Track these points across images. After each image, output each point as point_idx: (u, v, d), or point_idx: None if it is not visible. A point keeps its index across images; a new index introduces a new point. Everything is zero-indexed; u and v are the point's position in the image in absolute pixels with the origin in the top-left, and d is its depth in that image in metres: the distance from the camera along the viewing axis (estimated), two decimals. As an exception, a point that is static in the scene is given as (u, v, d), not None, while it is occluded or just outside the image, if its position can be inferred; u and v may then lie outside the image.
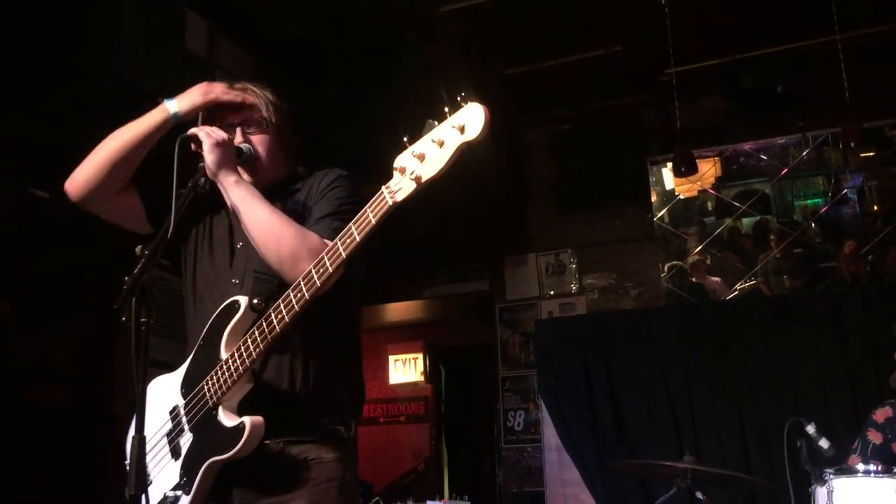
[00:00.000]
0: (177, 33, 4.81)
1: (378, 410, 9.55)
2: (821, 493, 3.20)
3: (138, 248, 1.99)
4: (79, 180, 2.40)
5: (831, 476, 3.19)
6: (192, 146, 2.29)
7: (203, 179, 2.28)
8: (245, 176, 2.38)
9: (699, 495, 3.97)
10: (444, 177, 1.90)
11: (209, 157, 2.25)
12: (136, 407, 1.85)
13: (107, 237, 2.64)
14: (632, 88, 6.99)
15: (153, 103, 2.41)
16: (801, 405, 5.07)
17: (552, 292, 7.35)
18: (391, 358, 9.59)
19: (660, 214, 7.18)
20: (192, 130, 2.29)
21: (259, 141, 2.46)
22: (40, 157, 4.16)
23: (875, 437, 3.90)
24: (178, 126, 2.37)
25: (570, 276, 7.34)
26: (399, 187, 1.93)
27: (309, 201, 2.39)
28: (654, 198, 7.20)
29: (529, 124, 7.63)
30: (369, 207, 1.99)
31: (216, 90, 2.42)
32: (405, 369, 9.51)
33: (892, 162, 6.74)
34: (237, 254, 2.42)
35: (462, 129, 1.85)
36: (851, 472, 3.24)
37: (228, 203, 2.28)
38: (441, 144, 1.87)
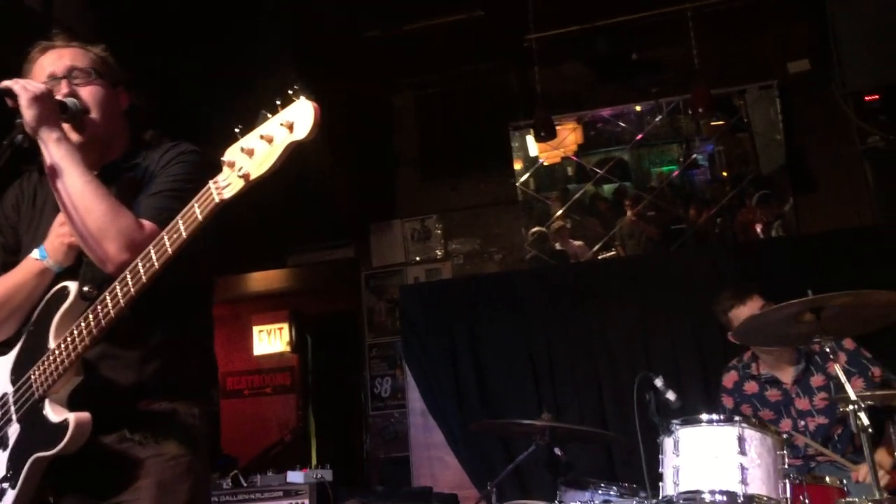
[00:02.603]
0: (7, -18, 4.44)
1: (243, 383, 9.33)
2: (668, 442, 3.32)
3: None
4: None
5: (677, 426, 3.31)
6: (8, 102, 2.09)
7: (20, 137, 2.08)
8: (73, 135, 2.19)
9: (557, 451, 4.07)
10: (274, 175, 1.79)
11: (27, 112, 2.04)
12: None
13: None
14: (494, 54, 7.02)
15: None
16: (652, 361, 5.29)
17: (418, 258, 7.35)
18: (255, 329, 9.37)
19: (522, 179, 7.27)
20: (5, 83, 2.07)
21: (87, 94, 2.27)
22: None
23: (727, 402, 4.12)
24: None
25: (436, 242, 7.36)
26: (227, 183, 1.82)
27: (147, 175, 2.24)
28: (518, 164, 7.29)
29: (393, 88, 7.55)
30: (196, 202, 1.87)
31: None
32: (270, 339, 9.32)
33: (739, 129, 7.07)
34: None
35: (291, 127, 1.75)
36: (695, 422, 3.37)
37: (46, 164, 2.09)
38: (270, 141, 1.77)
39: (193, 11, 5.33)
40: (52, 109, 2.10)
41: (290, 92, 1.78)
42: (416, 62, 7.05)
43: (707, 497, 3.07)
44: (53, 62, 2.27)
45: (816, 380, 3.94)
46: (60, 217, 2.18)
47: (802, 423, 3.88)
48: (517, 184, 7.24)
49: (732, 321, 3.97)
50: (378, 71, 7.06)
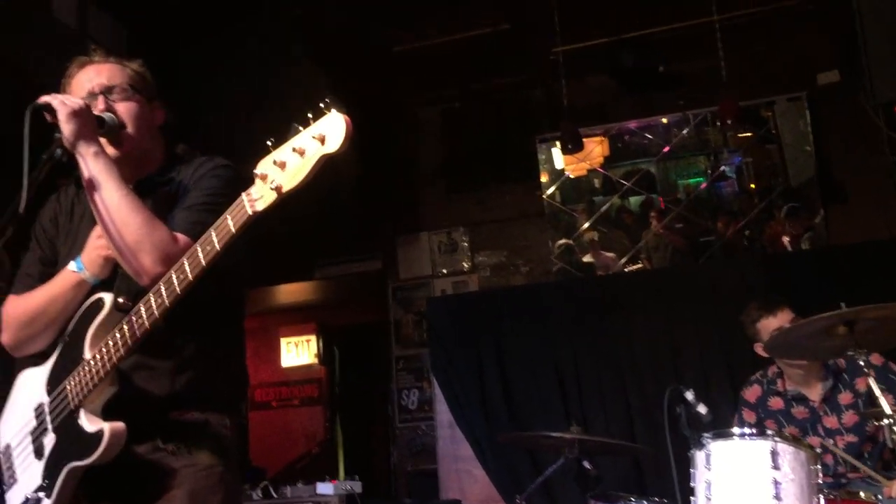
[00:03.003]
0: (43, 1, 4.54)
1: (270, 395, 9.39)
2: (699, 456, 3.29)
3: None
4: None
5: (709, 440, 3.28)
6: (47, 117, 2.13)
7: (59, 151, 2.12)
8: (109, 149, 2.23)
9: (586, 464, 4.05)
10: (306, 187, 1.81)
11: (66, 127, 2.08)
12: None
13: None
14: (521, 67, 7.04)
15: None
16: (680, 374, 5.25)
17: (444, 271, 7.36)
18: (283, 341, 9.44)
19: (549, 192, 7.27)
20: (45, 98, 2.10)
21: (124, 109, 2.30)
22: None
23: (749, 416, 4.04)
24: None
25: (463, 255, 7.36)
26: (260, 195, 1.84)
27: (181, 189, 2.27)
28: (544, 177, 7.29)
29: (420, 102, 7.59)
30: (229, 214, 1.89)
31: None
32: (298, 352, 9.38)
33: (767, 140, 7.02)
34: None
35: (322, 140, 1.76)
36: (727, 435, 3.34)
37: (84, 177, 2.13)
38: (302, 154, 1.78)
39: (222, 28, 5.42)
40: (90, 124, 2.14)
41: (321, 105, 1.80)
42: (442, 75, 7.09)
43: (739, 512, 3.03)
44: (91, 78, 2.31)
45: (844, 397, 3.87)
46: (97, 230, 2.21)
47: (831, 441, 3.81)
48: (544, 196, 7.24)
49: (761, 332, 3.93)
50: (405, 84, 7.11)
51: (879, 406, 2.93)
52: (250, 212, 1.86)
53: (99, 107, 2.26)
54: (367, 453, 8.42)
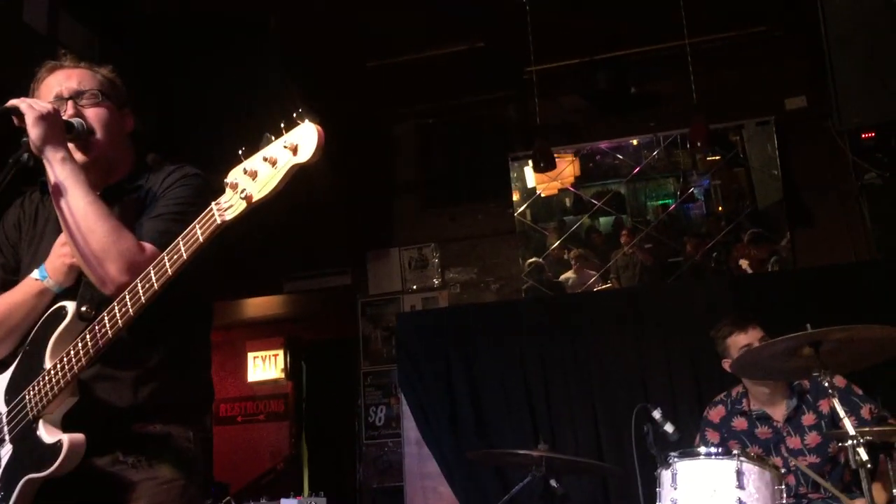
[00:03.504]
0: (13, 5, 4.48)
1: (236, 409, 9.29)
2: (665, 475, 3.31)
3: None
4: None
5: (675, 459, 3.30)
6: (15, 120, 2.10)
7: (26, 155, 2.09)
8: (77, 155, 2.20)
9: (553, 482, 4.04)
10: (276, 197, 1.80)
11: (33, 131, 2.06)
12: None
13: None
14: (494, 84, 7.09)
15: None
16: (649, 393, 5.28)
17: (415, 286, 7.35)
18: (250, 355, 9.35)
19: (520, 210, 7.30)
20: (12, 102, 2.08)
21: (93, 115, 2.28)
22: None
23: (713, 437, 4.06)
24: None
25: (433, 271, 7.36)
26: (230, 205, 1.83)
27: (150, 197, 2.25)
28: (516, 195, 7.32)
29: (394, 117, 7.60)
30: (198, 224, 1.88)
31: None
32: (265, 366, 9.29)
33: (735, 163, 7.12)
34: None
35: (295, 150, 1.76)
36: (694, 454, 3.37)
37: (51, 183, 2.10)
38: (273, 163, 1.78)
39: (193, 36, 5.38)
40: (57, 129, 2.12)
41: (294, 115, 1.79)
42: (416, 91, 7.11)
43: (705, 531, 3.05)
44: (61, 82, 2.29)
45: (808, 418, 3.91)
46: (62, 237, 2.18)
47: (793, 461, 3.85)
48: (515, 214, 7.27)
49: (730, 348, 3.97)
50: (379, 99, 7.12)
51: (843, 427, 2.96)
52: (219, 221, 1.84)
53: (68, 112, 2.24)
54: (334, 470, 8.34)
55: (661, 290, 6.46)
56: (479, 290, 7.28)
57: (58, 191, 2.07)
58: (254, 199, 1.81)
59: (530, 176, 7.36)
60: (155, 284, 1.93)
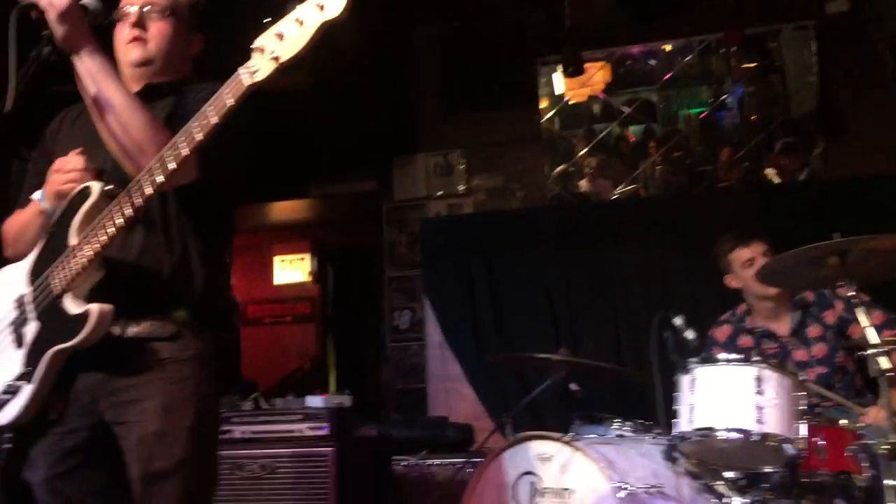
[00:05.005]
0: None
1: (264, 310, 9.44)
2: (685, 381, 3.33)
3: None
4: None
5: (695, 365, 3.33)
6: (34, 14, 2.07)
7: (47, 49, 2.08)
8: (128, 55, 2.29)
9: (573, 386, 4.11)
10: (306, 56, 1.78)
11: (57, 28, 2.04)
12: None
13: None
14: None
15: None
16: (670, 300, 5.29)
17: (440, 193, 7.32)
18: (276, 259, 9.44)
19: (548, 116, 7.19)
20: None
21: (155, 28, 2.30)
22: None
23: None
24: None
25: (459, 177, 7.31)
26: (257, 67, 1.82)
27: (185, 107, 2.21)
28: (543, 102, 7.18)
29: (418, 21, 7.42)
30: (225, 89, 1.86)
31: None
32: (292, 269, 9.40)
33: (770, 70, 6.92)
34: (101, 141, 2.23)
35: (322, 7, 1.75)
36: (713, 360, 3.39)
37: (80, 78, 2.09)
38: (301, 23, 1.76)
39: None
40: (81, 21, 2.09)
41: None
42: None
43: (721, 434, 3.08)
44: None
45: (813, 330, 3.91)
46: (57, 162, 2.19)
47: (802, 374, 3.86)
48: (542, 122, 7.16)
49: (732, 263, 3.99)
50: (403, 3, 6.93)
51: (855, 337, 2.95)
52: (248, 82, 1.84)
53: (130, 19, 2.27)
54: (358, 371, 8.52)
55: (686, 199, 6.40)
56: (505, 198, 7.23)
57: (88, 84, 2.08)
58: (282, 60, 1.80)
59: (559, 82, 7.20)
60: (185, 150, 1.93)
